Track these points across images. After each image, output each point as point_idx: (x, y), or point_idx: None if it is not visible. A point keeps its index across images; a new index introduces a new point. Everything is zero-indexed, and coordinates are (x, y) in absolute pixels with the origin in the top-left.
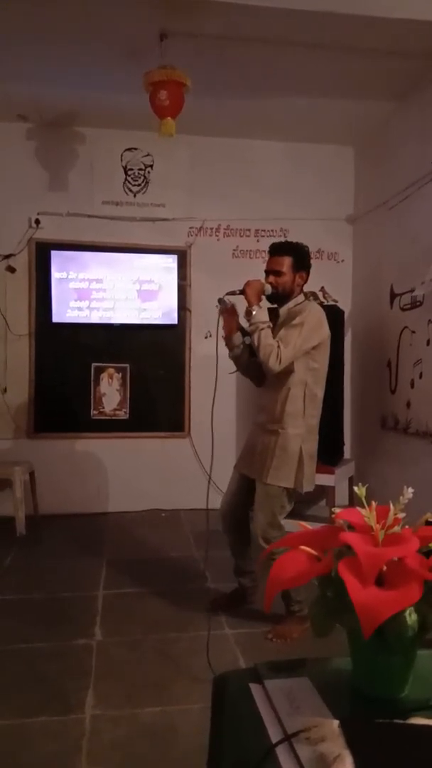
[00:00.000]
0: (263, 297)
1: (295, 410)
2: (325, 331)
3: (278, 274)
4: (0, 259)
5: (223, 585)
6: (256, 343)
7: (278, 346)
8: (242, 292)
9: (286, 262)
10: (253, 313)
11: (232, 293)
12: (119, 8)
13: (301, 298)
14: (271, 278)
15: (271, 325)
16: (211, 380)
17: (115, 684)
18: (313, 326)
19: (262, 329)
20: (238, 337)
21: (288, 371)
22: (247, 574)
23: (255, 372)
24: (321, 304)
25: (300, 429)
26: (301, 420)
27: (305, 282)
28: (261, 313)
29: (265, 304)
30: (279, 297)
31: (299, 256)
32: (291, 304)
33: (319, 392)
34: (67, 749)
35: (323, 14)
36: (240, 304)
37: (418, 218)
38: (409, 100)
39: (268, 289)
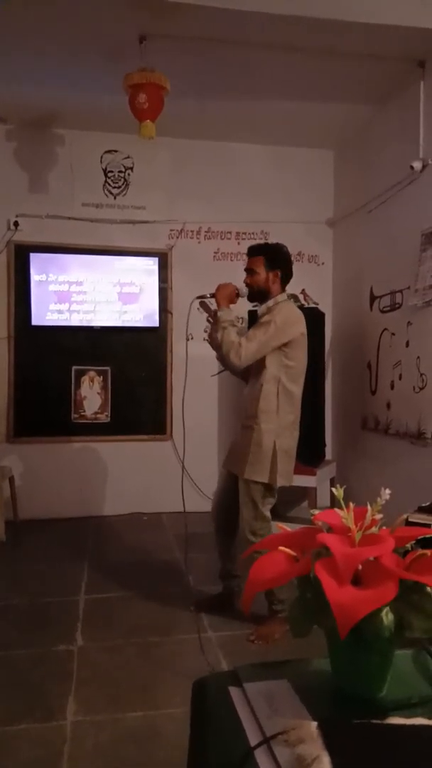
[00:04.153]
0: (238, 298)
1: (269, 407)
2: (297, 330)
3: (252, 272)
4: None
5: (206, 587)
6: (219, 340)
7: (239, 343)
8: (213, 295)
9: (259, 261)
10: (219, 314)
11: (203, 297)
12: (99, 10)
13: (281, 297)
14: (247, 278)
15: (236, 324)
16: (192, 382)
17: (97, 689)
18: (282, 324)
19: (225, 328)
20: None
21: (261, 368)
22: (233, 578)
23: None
24: (301, 306)
25: (273, 425)
26: (275, 416)
27: (283, 280)
28: (226, 313)
29: (240, 306)
30: (256, 296)
31: (272, 254)
32: (270, 302)
33: (296, 390)
34: (50, 756)
35: (303, 18)
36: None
37: (397, 221)
38: (388, 103)
39: (244, 290)
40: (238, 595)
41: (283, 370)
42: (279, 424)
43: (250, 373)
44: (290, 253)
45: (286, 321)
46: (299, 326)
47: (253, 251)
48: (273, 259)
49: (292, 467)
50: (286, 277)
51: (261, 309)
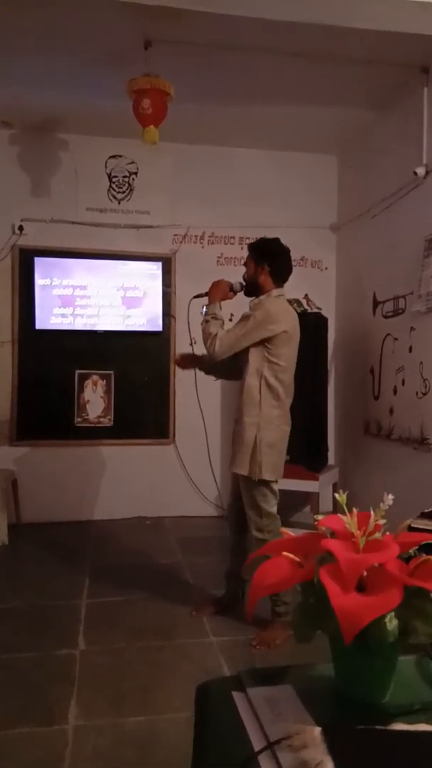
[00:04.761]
0: (234, 294)
1: (251, 400)
2: (279, 327)
3: (246, 268)
4: None
5: (208, 591)
6: (201, 332)
7: (215, 335)
8: (207, 293)
9: (249, 257)
10: (206, 308)
11: (200, 295)
12: (104, 15)
13: (275, 292)
14: (243, 273)
15: (219, 318)
16: (194, 386)
17: (98, 693)
18: (261, 320)
19: (207, 321)
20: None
21: (245, 362)
22: (238, 580)
23: (223, 370)
24: (304, 311)
25: (255, 418)
26: (257, 409)
27: (274, 275)
28: (212, 307)
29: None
30: (250, 290)
31: (258, 249)
32: (263, 297)
33: (280, 385)
34: (51, 759)
35: (306, 25)
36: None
37: (401, 226)
38: (391, 109)
39: (237, 285)
40: (241, 598)
41: (265, 365)
42: (262, 418)
43: (242, 370)
44: (285, 247)
45: (266, 317)
46: (282, 323)
47: (248, 247)
48: (259, 253)
49: (279, 461)
50: (278, 271)
51: (250, 303)
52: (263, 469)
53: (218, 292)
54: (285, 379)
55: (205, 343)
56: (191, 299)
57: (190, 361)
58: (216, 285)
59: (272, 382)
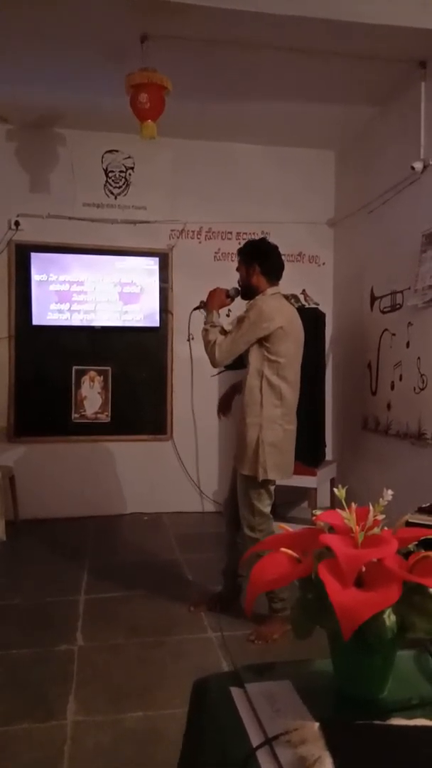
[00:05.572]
0: (231, 300)
1: (253, 400)
2: (274, 324)
3: (239, 273)
4: None
5: (206, 587)
6: (202, 340)
7: (214, 342)
8: (206, 302)
9: (239, 262)
10: (205, 317)
11: (198, 307)
12: (100, 10)
13: (270, 291)
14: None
15: (218, 325)
16: (193, 383)
17: (97, 689)
18: (255, 320)
19: (207, 329)
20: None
21: (247, 362)
22: (235, 576)
23: (240, 363)
24: (302, 306)
25: (257, 418)
26: (259, 409)
27: (266, 274)
28: (210, 316)
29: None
30: (247, 293)
31: (245, 251)
32: (258, 297)
33: (282, 383)
34: (50, 756)
35: (305, 19)
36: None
37: (398, 222)
38: (389, 104)
39: (232, 291)
40: (239, 594)
41: (265, 364)
42: (263, 417)
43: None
44: (272, 245)
45: (260, 316)
46: (276, 320)
47: (237, 253)
48: (247, 255)
49: (284, 461)
50: (269, 269)
51: (246, 305)
52: (267, 468)
53: (215, 300)
54: (288, 376)
55: (205, 351)
56: (191, 312)
57: (228, 401)
58: (213, 293)
59: (274, 380)
